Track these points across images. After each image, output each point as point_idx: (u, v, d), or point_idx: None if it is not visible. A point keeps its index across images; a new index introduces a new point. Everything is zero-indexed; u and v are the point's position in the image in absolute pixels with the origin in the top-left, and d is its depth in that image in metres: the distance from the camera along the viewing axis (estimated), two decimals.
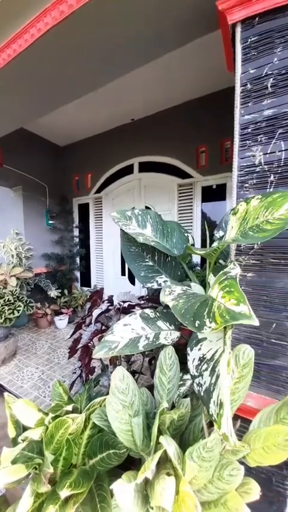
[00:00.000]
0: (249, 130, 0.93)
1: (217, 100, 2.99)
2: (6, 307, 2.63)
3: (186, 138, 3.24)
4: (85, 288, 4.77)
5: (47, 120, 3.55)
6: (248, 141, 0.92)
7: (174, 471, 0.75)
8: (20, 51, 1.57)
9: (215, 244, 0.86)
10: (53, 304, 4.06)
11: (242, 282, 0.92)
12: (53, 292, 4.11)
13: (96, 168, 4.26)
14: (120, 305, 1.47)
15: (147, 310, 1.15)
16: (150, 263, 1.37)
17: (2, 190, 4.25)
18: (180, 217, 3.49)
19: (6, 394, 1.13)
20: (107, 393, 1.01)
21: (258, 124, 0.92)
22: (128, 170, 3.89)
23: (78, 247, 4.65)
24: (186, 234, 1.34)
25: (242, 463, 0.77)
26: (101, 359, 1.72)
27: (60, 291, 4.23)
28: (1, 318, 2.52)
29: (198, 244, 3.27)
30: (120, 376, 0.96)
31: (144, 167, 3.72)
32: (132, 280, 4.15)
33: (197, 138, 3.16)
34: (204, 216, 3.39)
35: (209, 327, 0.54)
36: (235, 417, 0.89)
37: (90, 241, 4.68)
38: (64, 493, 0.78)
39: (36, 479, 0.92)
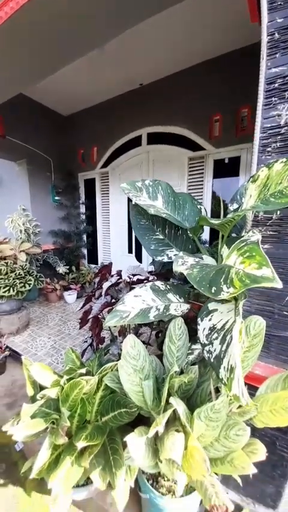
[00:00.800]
0: (276, 85, 0.83)
1: (233, 61, 2.69)
2: (18, 281, 2.71)
3: (199, 105, 2.99)
4: (92, 265, 4.83)
5: (50, 86, 3.31)
6: (273, 98, 0.83)
7: (183, 428, 0.80)
8: (23, 3, 1.40)
9: (230, 215, 0.82)
10: (62, 280, 4.16)
11: None
12: (61, 269, 4.19)
13: (102, 141, 4.06)
14: (130, 278, 1.49)
15: (158, 282, 1.15)
16: (161, 236, 1.35)
17: (7, 164, 4.15)
18: (189, 193, 3.37)
19: (23, 357, 1.20)
20: (117, 361, 1.06)
21: (287, 78, 0.82)
22: (136, 142, 3.69)
23: (85, 224, 4.62)
24: (199, 206, 1.29)
25: (248, 426, 0.81)
26: (110, 330, 1.78)
27: (68, 267, 4.30)
28: (13, 290, 2.61)
29: None
30: (131, 343, 0.99)
31: (153, 139, 3.52)
32: (139, 257, 4.16)
33: (211, 105, 2.91)
34: (214, 194, 3.26)
35: (227, 292, 0.53)
36: None
37: (96, 218, 4.63)
38: (80, 444, 0.86)
39: (54, 433, 1.00)
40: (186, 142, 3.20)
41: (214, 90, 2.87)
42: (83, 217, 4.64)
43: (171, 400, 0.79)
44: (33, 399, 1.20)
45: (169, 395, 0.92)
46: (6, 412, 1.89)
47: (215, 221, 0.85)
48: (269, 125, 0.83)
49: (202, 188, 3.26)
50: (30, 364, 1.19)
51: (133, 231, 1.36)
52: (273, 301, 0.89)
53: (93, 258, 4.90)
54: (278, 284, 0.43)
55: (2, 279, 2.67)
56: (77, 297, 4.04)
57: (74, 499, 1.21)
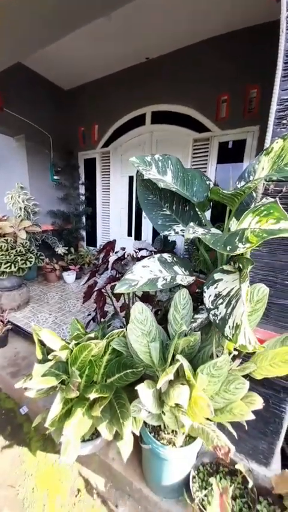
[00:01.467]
0: None
1: (244, 40, 2.59)
2: (19, 258, 2.72)
3: (207, 84, 2.90)
4: (91, 248, 4.83)
5: (51, 57, 3.14)
6: None
7: (188, 382, 0.87)
8: None
9: (240, 186, 0.84)
10: (61, 260, 4.17)
11: None
12: (60, 249, 4.20)
13: (104, 118, 3.92)
14: (136, 252, 1.52)
15: (165, 255, 1.19)
16: (168, 212, 1.37)
17: (4, 139, 4.00)
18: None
19: (33, 323, 1.24)
20: None
21: None
22: (140, 121, 3.59)
23: (84, 206, 4.57)
24: (207, 182, 1.30)
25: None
26: (113, 305, 1.84)
27: (67, 248, 4.30)
28: (15, 267, 2.62)
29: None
30: (139, 310, 1.05)
31: (158, 118, 3.42)
32: (138, 240, 4.18)
33: (219, 84, 2.82)
34: (215, 182, 3.24)
35: (243, 247, 0.57)
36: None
37: (96, 199, 4.58)
38: (92, 395, 0.93)
39: (65, 389, 1.07)
40: (192, 123, 3.14)
41: (223, 69, 2.77)
42: (83, 198, 4.58)
43: (178, 356, 0.85)
44: (41, 362, 1.26)
45: (173, 356, 0.99)
46: (10, 380, 1.97)
47: (226, 192, 0.88)
48: (286, 97, 0.83)
49: (206, 172, 3.24)
50: (39, 330, 1.24)
51: (140, 207, 1.38)
52: (276, 271, 0.95)
53: (92, 240, 4.89)
54: None
55: (3, 255, 2.67)
56: (76, 278, 4.07)
57: (79, 454, 1.31)
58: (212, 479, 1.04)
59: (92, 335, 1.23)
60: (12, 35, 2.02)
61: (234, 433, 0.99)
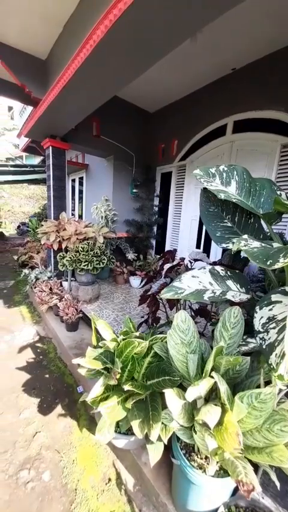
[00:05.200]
0: None
1: None
2: (95, 258, 3.18)
3: None
4: (158, 256, 5.04)
5: (139, 83, 3.58)
6: None
7: (222, 406, 0.80)
8: (125, 9, 1.54)
9: None
10: (130, 265, 4.56)
11: None
12: (131, 255, 4.59)
13: (184, 133, 4.10)
14: (191, 263, 1.52)
15: (218, 267, 1.14)
16: (229, 224, 1.31)
17: (98, 160, 4.83)
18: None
19: (92, 313, 1.44)
20: None
21: None
22: (219, 132, 3.55)
23: (156, 216, 4.85)
24: (279, 192, 1.18)
25: None
26: (166, 312, 1.88)
27: (136, 255, 4.66)
28: (90, 266, 3.08)
29: None
30: (182, 318, 1.05)
31: (240, 127, 3.29)
32: (207, 253, 4.04)
33: None
34: None
35: (283, 262, 0.50)
36: None
37: (168, 211, 4.77)
38: (126, 387, 0.99)
39: (108, 376, 1.19)
40: (281, 127, 2.84)
41: None
42: (156, 209, 4.88)
43: (214, 374, 0.80)
44: (95, 348, 1.44)
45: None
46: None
47: None
48: None
49: None
50: (97, 320, 1.43)
51: (201, 218, 1.38)
52: None
53: (160, 249, 5.10)
54: None
55: (84, 255, 3.20)
56: (141, 283, 4.33)
57: (115, 445, 1.39)
58: None
59: (138, 334, 1.31)
60: (115, 70, 2.31)
61: (277, 483, 0.82)
